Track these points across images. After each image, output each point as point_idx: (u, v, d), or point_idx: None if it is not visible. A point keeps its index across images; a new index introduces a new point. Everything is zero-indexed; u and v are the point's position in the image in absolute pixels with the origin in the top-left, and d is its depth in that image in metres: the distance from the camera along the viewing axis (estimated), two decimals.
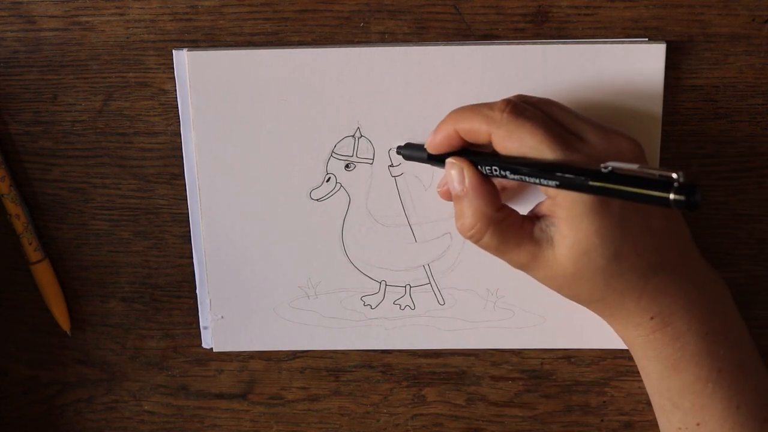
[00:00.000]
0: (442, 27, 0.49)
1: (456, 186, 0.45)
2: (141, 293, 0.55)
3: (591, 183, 0.39)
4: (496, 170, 0.43)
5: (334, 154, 0.51)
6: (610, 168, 0.39)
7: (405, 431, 0.57)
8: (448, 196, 0.47)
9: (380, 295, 0.53)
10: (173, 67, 0.50)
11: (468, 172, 0.44)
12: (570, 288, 0.45)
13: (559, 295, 0.46)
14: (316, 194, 0.52)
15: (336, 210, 0.52)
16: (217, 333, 0.55)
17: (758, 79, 0.50)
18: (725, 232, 0.52)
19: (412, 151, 0.49)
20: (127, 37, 0.50)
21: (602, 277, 0.43)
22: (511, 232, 0.44)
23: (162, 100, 0.51)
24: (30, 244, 0.54)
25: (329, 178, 0.51)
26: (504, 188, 0.48)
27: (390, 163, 0.51)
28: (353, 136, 0.51)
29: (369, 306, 0.54)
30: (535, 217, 0.45)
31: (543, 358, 0.55)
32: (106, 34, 0.50)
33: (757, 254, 0.53)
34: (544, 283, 0.45)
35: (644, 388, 0.54)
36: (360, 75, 0.49)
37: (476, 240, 0.45)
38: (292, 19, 0.50)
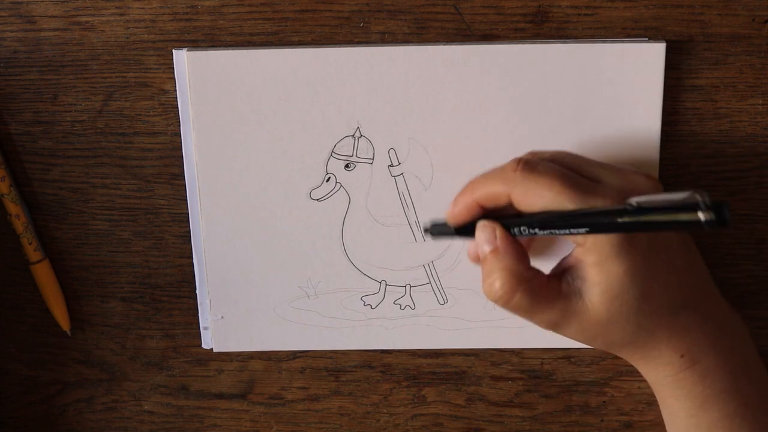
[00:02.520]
0: (442, 27, 0.49)
1: (486, 247, 0.45)
2: (141, 293, 0.55)
3: (620, 221, 0.39)
4: (525, 230, 0.43)
5: (334, 154, 0.51)
6: (635, 203, 0.39)
7: (405, 431, 0.57)
8: (477, 259, 0.46)
9: (380, 295, 0.53)
10: (173, 67, 0.50)
11: (500, 232, 0.44)
12: (603, 336, 0.45)
13: None
14: (316, 194, 0.52)
15: (336, 210, 0.52)
16: (217, 333, 0.55)
17: (758, 79, 0.50)
18: (725, 232, 0.52)
19: (439, 228, 0.48)
20: (127, 37, 0.50)
21: (634, 318, 0.44)
22: (540, 290, 0.44)
23: (162, 100, 0.51)
24: (30, 244, 0.54)
25: (329, 178, 0.51)
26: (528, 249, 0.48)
27: (390, 163, 0.51)
28: (353, 136, 0.51)
29: (369, 306, 0.54)
30: (560, 273, 0.45)
31: (543, 358, 0.55)
32: (106, 34, 0.50)
33: (757, 254, 0.53)
34: (575, 338, 0.45)
35: (644, 388, 0.54)
36: (360, 75, 0.49)
37: (506, 301, 0.44)
38: (292, 19, 0.50)
